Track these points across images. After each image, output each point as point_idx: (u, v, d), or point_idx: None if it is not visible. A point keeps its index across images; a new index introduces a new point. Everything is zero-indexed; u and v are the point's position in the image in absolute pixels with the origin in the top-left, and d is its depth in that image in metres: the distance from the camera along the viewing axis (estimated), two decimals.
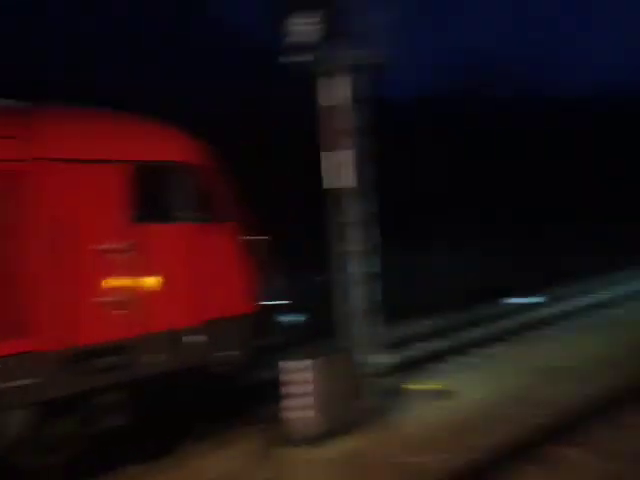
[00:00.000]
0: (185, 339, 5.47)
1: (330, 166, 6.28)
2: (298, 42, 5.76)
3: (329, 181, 6.32)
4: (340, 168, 6.20)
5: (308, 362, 5.77)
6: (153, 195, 5.38)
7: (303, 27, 5.68)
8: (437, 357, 8.96)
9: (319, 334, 7.61)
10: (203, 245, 5.75)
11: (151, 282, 5.28)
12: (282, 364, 5.92)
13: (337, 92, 6.11)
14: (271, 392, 6.12)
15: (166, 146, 5.74)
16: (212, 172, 6.00)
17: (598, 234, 24.52)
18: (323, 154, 6.31)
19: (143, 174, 5.29)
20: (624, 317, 11.56)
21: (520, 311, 12.63)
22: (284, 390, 5.87)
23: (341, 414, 5.96)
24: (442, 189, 24.87)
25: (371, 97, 6.34)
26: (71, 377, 4.69)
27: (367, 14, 6.00)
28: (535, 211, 27.18)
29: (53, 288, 4.65)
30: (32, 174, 4.69)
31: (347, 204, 6.26)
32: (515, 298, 13.57)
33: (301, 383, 5.77)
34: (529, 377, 7.52)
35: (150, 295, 5.26)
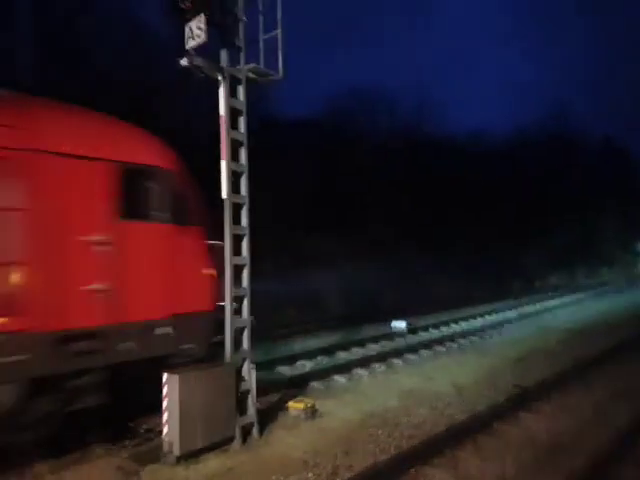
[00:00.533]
0: (156, 330, 6.08)
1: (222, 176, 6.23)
2: (194, 46, 5.82)
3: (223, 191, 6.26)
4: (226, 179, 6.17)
5: (175, 376, 5.54)
6: (134, 195, 5.88)
7: (199, 32, 5.73)
8: (318, 375, 9.21)
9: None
10: (175, 245, 6.35)
11: (128, 275, 5.77)
12: (164, 376, 5.76)
13: (228, 101, 6.14)
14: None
15: (148, 151, 6.31)
16: (184, 179, 6.62)
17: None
18: (221, 162, 6.25)
19: (127, 174, 5.82)
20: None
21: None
22: (163, 403, 5.74)
23: (213, 431, 5.80)
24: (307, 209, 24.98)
25: (256, 111, 6.55)
26: (54, 357, 5.12)
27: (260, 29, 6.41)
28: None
29: (41, 273, 5.10)
30: (27, 163, 5.09)
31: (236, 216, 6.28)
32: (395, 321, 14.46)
33: (170, 397, 5.57)
34: (395, 400, 8.03)
35: (127, 287, 5.76)
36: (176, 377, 5.59)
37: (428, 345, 12.06)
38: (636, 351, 11.26)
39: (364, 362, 10.28)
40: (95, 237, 5.47)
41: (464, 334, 13.75)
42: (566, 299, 23.51)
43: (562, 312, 19.31)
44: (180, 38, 6.00)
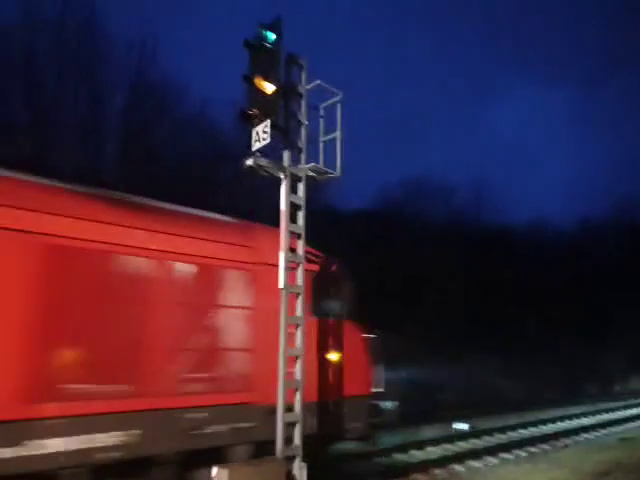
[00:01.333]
0: (339, 406, 7.46)
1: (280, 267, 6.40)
2: (260, 148, 6.24)
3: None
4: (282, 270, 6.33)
5: (225, 470, 5.39)
6: (317, 295, 7.62)
7: (264, 135, 6.16)
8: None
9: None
10: (348, 337, 7.88)
11: (316, 361, 7.35)
12: (213, 470, 5.62)
13: (288, 197, 6.48)
14: None
15: (332, 264, 8.24)
16: (347, 282, 8.39)
17: None
18: (280, 254, 6.46)
19: (315, 281, 7.62)
20: None
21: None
22: None
23: None
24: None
25: (317, 205, 6.85)
26: (269, 425, 6.14)
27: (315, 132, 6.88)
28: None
29: (262, 358, 6.69)
30: (255, 274, 6.96)
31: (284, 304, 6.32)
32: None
33: None
34: None
35: (317, 370, 7.32)
36: (226, 471, 5.44)
37: (492, 451, 11.09)
38: None
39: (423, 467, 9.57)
40: (294, 330, 6.48)
41: (533, 441, 12.56)
42: None
43: None
44: (247, 138, 6.51)
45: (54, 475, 4.95)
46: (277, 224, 6.53)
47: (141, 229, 6.02)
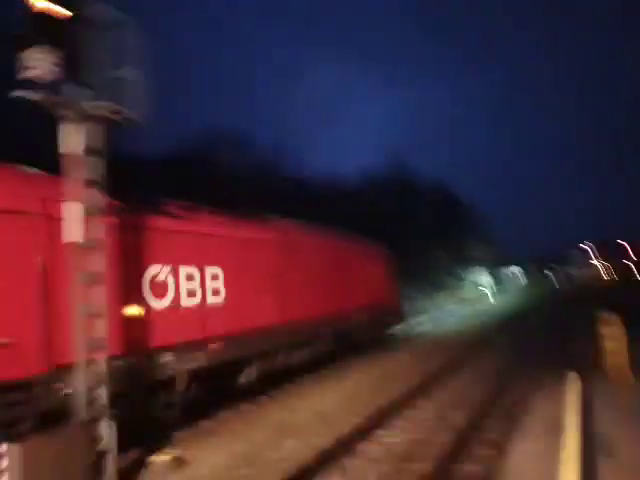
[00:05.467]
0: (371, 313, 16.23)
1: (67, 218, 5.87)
2: (35, 77, 5.37)
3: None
4: (71, 221, 5.84)
5: (16, 447, 4.85)
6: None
7: (42, 63, 5.36)
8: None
9: None
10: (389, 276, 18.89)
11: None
12: (2, 446, 5.01)
13: (72, 140, 5.86)
14: None
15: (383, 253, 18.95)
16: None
17: None
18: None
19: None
20: None
21: None
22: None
23: None
24: None
25: (111, 151, 6.28)
26: None
27: (112, 67, 6.08)
28: None
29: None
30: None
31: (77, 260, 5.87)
32: None
33: (10, 472, 4.85)
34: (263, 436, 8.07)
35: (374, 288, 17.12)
36: (17, 448, 4.88)
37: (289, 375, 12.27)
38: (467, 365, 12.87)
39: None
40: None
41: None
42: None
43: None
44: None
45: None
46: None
47: None
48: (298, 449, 7.19)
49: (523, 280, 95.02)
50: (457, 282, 55.71)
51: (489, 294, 53.14)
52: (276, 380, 11.37)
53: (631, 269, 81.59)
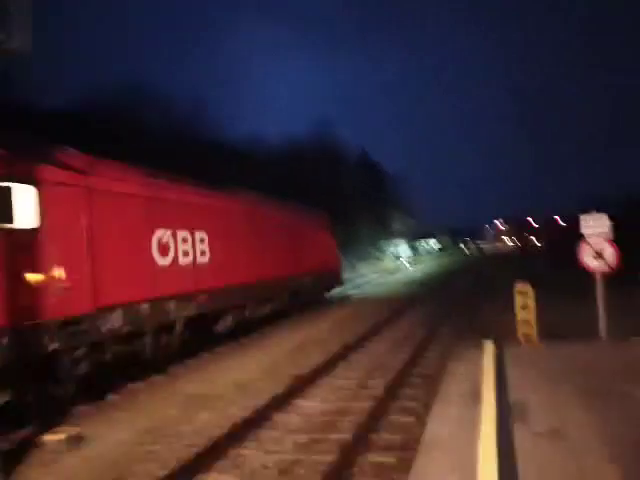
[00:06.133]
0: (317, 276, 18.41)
1: None
2: None
3: None
4: None
5: None
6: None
7: None
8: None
9: None
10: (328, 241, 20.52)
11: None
12: None
13: None
14: None
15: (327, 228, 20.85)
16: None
17: None
18: None
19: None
20: None
21: None
22: None
23: None
24: None
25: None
26: None
27: None
28: None
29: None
30: None
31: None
32: None
33: None
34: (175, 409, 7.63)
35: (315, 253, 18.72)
36: None
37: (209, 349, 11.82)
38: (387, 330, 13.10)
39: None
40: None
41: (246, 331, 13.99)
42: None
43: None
44: None
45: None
46: None
47: None
48: (214, 421, 6.81)
49: (439, 251, 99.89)
50: (379, 254, 57.26)
51: (407, 265, 55.22)
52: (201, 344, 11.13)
53: (531, 239, 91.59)
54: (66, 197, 7.22)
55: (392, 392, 7.51)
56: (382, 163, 66.69)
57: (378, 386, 7.92)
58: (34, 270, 6.48)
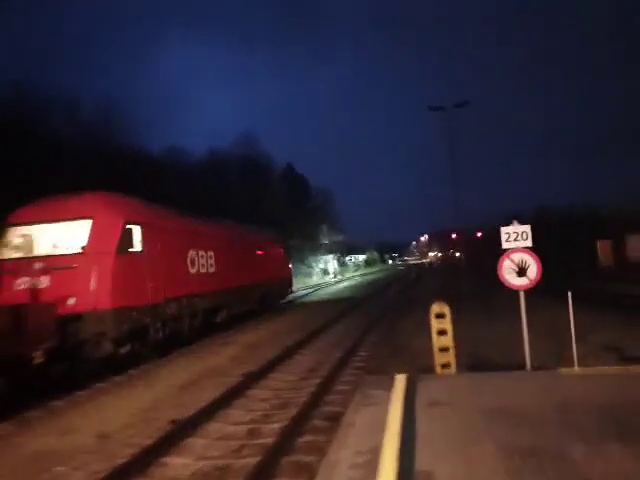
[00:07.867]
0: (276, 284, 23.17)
1: None
2: None
3: None
4: None
5: None
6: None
7: None
8: None
9: None
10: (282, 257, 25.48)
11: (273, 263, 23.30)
12: None
13: None
14: None
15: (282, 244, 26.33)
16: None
17: None
18: None
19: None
20: None
21: None
22: None
23: None
24: None
25: None
26: None
27: None
28: None
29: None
30: None
31: None
32: None
33: None
34: None
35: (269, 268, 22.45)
36: None
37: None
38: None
39: None
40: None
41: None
42: None
43: None
44: None
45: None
46: None
47: None
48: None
49: (366, 266, 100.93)
50: (307, 269, 56.27)
51: (334, 280, 54.64)
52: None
53: (454, 254, 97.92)
54: (151, 233, 12.01)
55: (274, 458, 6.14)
56: (310, 178, 66.15)
57: (271, 434, 6.50)
58: (142, 277, 11.41)
